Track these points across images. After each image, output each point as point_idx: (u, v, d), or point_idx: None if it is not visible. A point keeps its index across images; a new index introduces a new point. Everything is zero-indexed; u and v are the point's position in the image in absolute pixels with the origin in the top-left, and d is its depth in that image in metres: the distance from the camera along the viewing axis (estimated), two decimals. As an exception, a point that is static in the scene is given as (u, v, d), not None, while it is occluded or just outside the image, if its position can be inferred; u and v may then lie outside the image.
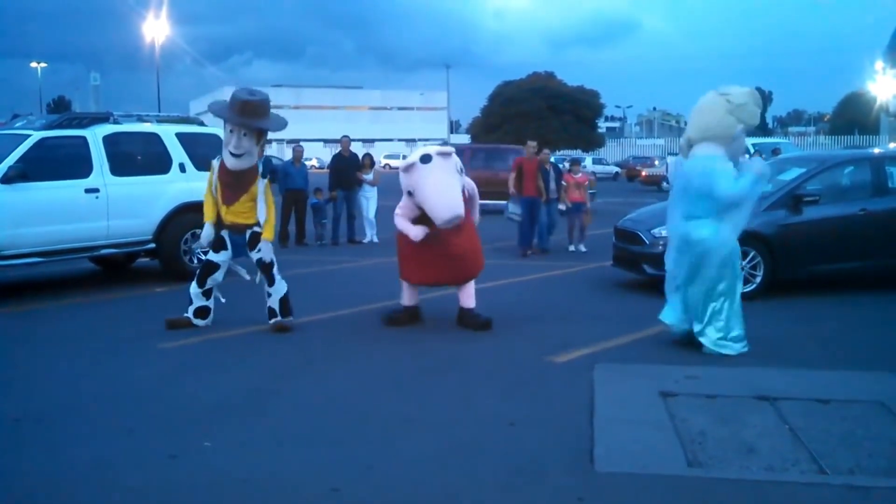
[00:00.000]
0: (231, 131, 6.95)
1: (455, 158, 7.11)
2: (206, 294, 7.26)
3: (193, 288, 7.25)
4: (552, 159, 14.53)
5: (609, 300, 8.77)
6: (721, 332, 6.26)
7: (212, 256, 7.27)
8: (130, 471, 4.08)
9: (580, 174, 13.90)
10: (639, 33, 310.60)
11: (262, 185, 7.14)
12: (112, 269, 10.89)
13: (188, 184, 9.72)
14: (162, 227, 9.73)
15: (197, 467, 4.13)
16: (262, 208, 7.11)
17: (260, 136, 7.11)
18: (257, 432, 4.63)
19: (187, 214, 9.68)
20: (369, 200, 14.62)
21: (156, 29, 46.69)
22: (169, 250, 9.80)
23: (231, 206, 7.06)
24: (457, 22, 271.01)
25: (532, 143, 13.12)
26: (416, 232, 7.03)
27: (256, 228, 7.15)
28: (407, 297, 7.50)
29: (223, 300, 7.37)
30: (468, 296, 7.32)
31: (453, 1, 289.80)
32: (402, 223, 7.16)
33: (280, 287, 7.20)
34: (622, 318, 7.62)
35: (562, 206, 13.56)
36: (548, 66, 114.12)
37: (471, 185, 7.40)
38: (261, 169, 7.24)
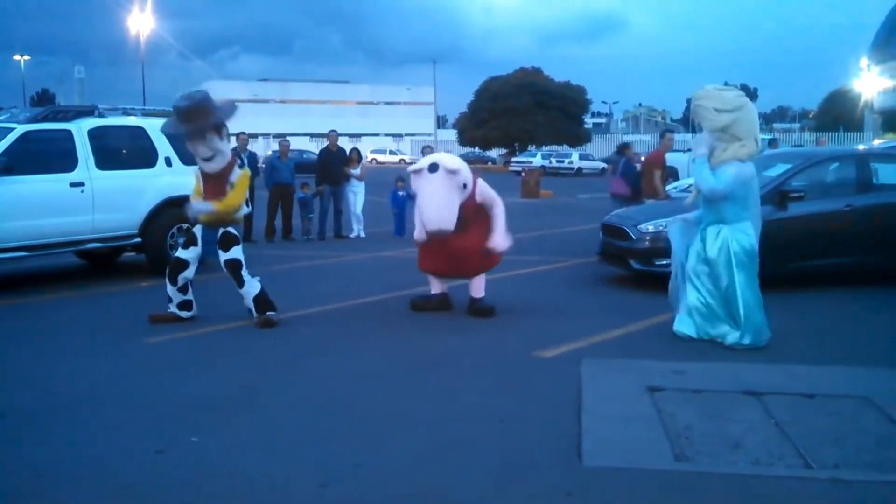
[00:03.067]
0: (191, 141, 6.95)
1: (461, 176, 7.14)
2: (183, 290, 7.22)
3: (168, 287, 7.21)
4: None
5: (595, 295, 8.79)
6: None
7: (181, 253, 7.23)
8: (117, 466, 4.05)
9: None
10: (626, 30, 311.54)
11: (238, 173, 7.12)
12: (98, 263, 10.82)
13: (174, 178, 9.67)
14: (148, 222, 9.69)
15: (184, 462, 4.11)
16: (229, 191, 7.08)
17: (219, 129, 7.05)
18: (245, 428, 4.62)
19: (173, 209, 9.63)
20: (356, 195, 14.57)
21: (141, 22, 46.42)
22: (155, 244, 9.75)
23: (218, 200, 7.04)
24: (445, 17, 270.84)
25: (670, 136, 11.45)
26: (417, 234, 7.61)
27: (230, 229, 7.12)
28: (432, 285, 7.86)
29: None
30: (476, 287, 7.64)
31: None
32: (416, 219, 7.58)
33: (251, 287, 7.13)
34: (608, 313, 7.65)
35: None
36: (535, 62, 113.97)
37: (490, 196, 7.44)
38: (244, 162, 7.27)
